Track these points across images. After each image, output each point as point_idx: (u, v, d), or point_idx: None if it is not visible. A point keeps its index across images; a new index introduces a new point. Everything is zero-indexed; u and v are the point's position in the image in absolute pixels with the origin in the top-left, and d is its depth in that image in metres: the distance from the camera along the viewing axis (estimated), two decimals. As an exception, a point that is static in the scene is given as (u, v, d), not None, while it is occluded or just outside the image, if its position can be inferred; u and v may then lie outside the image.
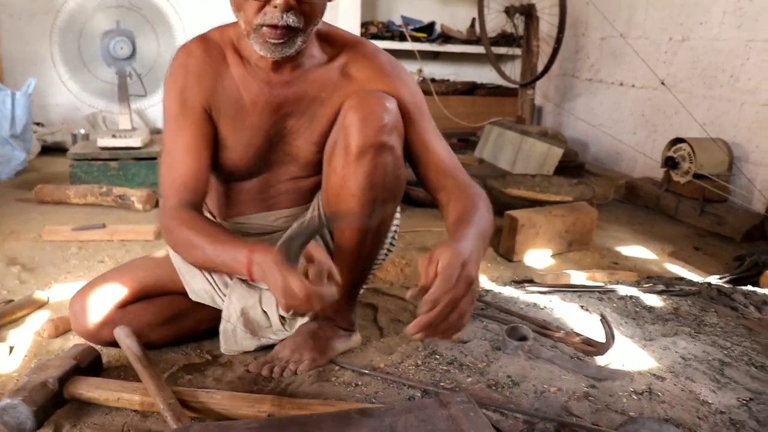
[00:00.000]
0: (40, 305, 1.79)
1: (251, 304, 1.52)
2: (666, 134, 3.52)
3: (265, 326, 1.52)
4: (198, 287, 1.55)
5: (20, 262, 2.10)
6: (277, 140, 1.43)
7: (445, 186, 1.40)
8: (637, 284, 2.10)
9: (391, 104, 1.33)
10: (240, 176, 1.48)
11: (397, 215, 1.58)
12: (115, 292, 1.50)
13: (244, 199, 1.52)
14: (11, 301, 1.78)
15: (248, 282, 1.55)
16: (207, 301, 1.56)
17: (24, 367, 1.47)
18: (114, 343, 1.50)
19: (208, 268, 1.42)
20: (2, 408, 1.19)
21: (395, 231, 1.59)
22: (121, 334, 1.41)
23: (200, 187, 1.37)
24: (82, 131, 3.64)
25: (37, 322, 1.70)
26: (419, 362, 1.52)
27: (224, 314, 1.51)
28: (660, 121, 3.70)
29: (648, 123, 3.80)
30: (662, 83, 3.35)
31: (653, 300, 1.96)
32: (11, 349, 1.52)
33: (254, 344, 1.53)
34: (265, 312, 1.52)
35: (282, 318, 1.52)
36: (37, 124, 4.04)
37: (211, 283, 1.54)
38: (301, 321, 1.53)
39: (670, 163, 3.05)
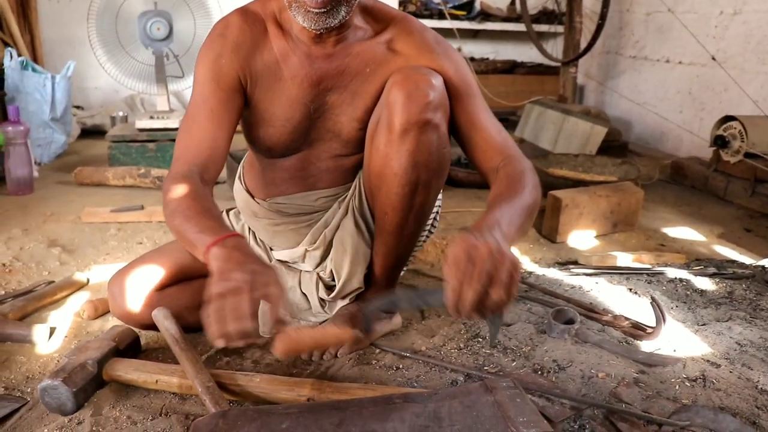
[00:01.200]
0: (80, 287, 1.79)
1: (290, 286, 1.50)
2: (714, 112, 3.39)
3: (305, 308, 1.50)
4: None
5: (60, 244, 2.11)
6: (318, 116, 1.39)
7: (494, 165, 1.32)
8: (686, 267, 2.02)
9: (437, 81, 1.27)
10: (279, 153, 1.44)
11: (440, 196, 1.54)
12: (153, 275, 1.49)
13: (283, 177, 1.48)
14: (52, 282, 1.79)
15: (288, 263, 1.53)
16: None
17: (64, 348, 1.47)
18: (152, 326, 1.48)
19: (180, 240, 1.22)
20: (43, 389, 1.19)
21: (437, 212, 1.55)
22: (160, 315, 1.39)
23: (214, 156, 1.29)
24: (121, 113, 3.67)
25: (76, 303, 1.70)
26: (462, 345, 1.47)
27: None
28: (708, 99, 3.57)
29: (695, 101, 3.67)
30: (713, 59, 3.22)
31: (705, 283, 1.88)
32: (52, 330, 1.52)
33: (293, 326, 1.50)
34: (304, 294, 1.49)
35: (322, 300, 1.49)
36: (77, 107, 4.09)
37: None
38: (341, 303, 1.50)
39: (719, 141, 2.93)
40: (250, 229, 1.60)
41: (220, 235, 1.07)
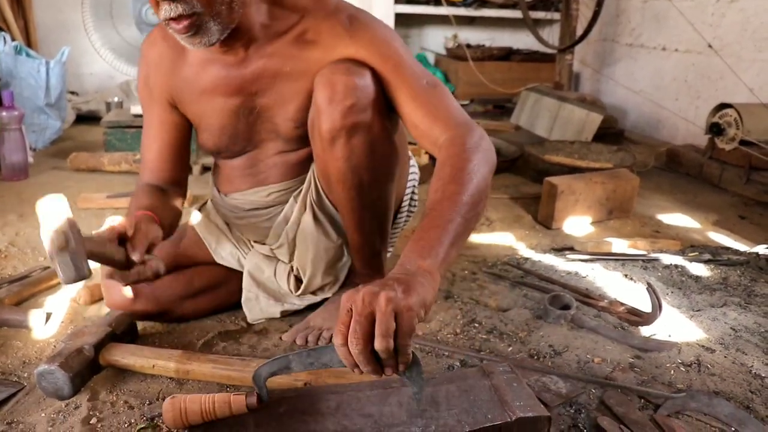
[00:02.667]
0: (76, 272, 1.79)
1: (266, 276, 1.50)
2: (710, 100, 3.39)
3: (287, 293, 1.50)
4: (225, 252, 1.55)
5: (56, 229, 2.10)
6: (254, 120, 1.35)
7: (437, 140, 1.17)
8: (681, 253, 2.02)
9: (360, 78, 1.20)
10: (227, 155, 1.44)
11: (414, 176, 1.54)
12: None
13: (236, 175, 1.47)
14: (47, 267, 1.78)
15: (264, 254, 1.53)
16: (234, 265, 1.55)
17: (60, 334, 1.47)
18: (147, 317, 1.49)
19: None
20: (40, 374, 1.19)
21: (412, 194, 1.55)
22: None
23: (164, 170, 1.42)
24: (116, 99, 3.64)
25: (72, 289, 1.69)
26: (458, 330, 1.48)
27: (244, 285, 1.51)
28: (704, 87, 3.57)
29: (691, 89, 3.67)
30: (709, 46, 3.22)
31: (700, 269, 1.89)
32: (48, 315, 1.51)
33: (278, 310, 1.51)
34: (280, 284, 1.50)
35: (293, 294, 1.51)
36: (72, 93, 4.06)
37: (235, 246, 1.54)
38: (320, 293, 1.52)
39: (715, 129, 2.93)
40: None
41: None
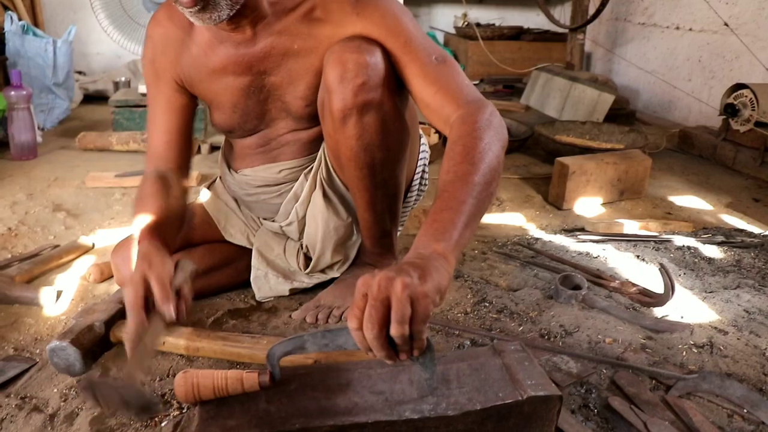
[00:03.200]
0: (86, 251, 1.79)
1: (276, 254, 1.50)
2: (725, 80, 3.34)
3: (296, 271, 1.50)
4: (234, 230, 1.54)
5: (65, 209, 2.10)
6: (264, 98, 1.34)
7: (447, 118, 1.14)
8: (694, 235, 2.00)
9: (371, 56, 1.18)
10: (240, 133, 1.43)
11: (425, 153, 1.52)
12: None
13: (248, 153, 1.47)
14: (57, 246, 1.78)
15: (273, 231, 1.53)
16: (243, 242, 1.55)
17: (71, 311, 1.47)
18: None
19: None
20: (51, 350, 1.20)
21: (423, 172, 1.53)
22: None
23: (172, 154, 1.38)
24: (123, 79, 3.63)
25: (82, 267, 1.70)
26: (468, 309, 1.47)
27: (253, 262, 1.50)
28: (719, 67, 3.52)
29: (705, 69, 3.62)
30: (725, 25, 3.17)
31: (713, 251, 1.87)
32: (59, 293, 1.52)
33: (287, 288, 1.50)
34: (289, 262, 1.50)
35: (302, 272, 1.50)
36: (79, 72, 4.05)
37: (245, 223, 1.54)
38: (329, 271, 1.51)
39: (729, 110, 2.89)
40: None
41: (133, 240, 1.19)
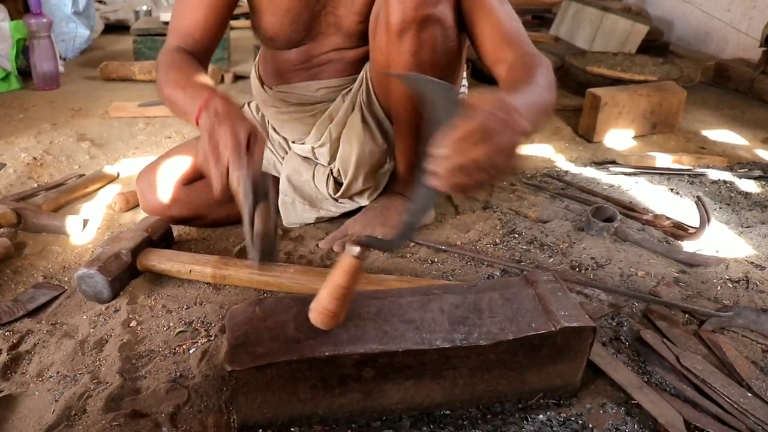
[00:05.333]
0: (111, 180, 1.78)
1: (304, 179, 1.47)
2: (767, 10, 3.20)
3: (324, 198, 1.47)
4: None
5: (89, 138, 2.09)
6: (318, 9, 1.30)
7: (504, 58, 1.16)
8: (729, 169, 1.94)
9: None
10: (281, 44, 1.38)
11: (464, 87, 1.47)
12: (180, 169, 1.47)
13: (287, 69, 1.43)
14: (82, 175, 1.78)
15: (302, 157, 1.50)
16: (269, 170, 1.53)
17: (97, 240, 1.47)
18: (180, 221, 1.48)
19: (171, 106, 1.22)
20: (80, 277, 1.20)
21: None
22: None
23: (205, 39, 1.28)
24: (144, 8, 3.56)
25: (108, 196, 1.69)
26: (497, 240, 1.45)
27: (281, 188, 1.48)
28: (760, -5, 3.36)
29: (745, -3, 3.46)
30: (768, -51, 3.00)
31: (750, 186, 1.81)
32: (85, 222, 1.52)
33: (314, 216, 1.49)
34: (317, 188, 1.47)
35: (332, 198, 1.46)
36: (99, 2, 3.98)
37: (272, 150, 1.51)
38: (357, 198, 1.48)
39: (771, 41, 2.77)
40: (268, 120, 1.56)
41: (206, 98, 1.07)
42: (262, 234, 1.00)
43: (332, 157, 1.45)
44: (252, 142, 1.03)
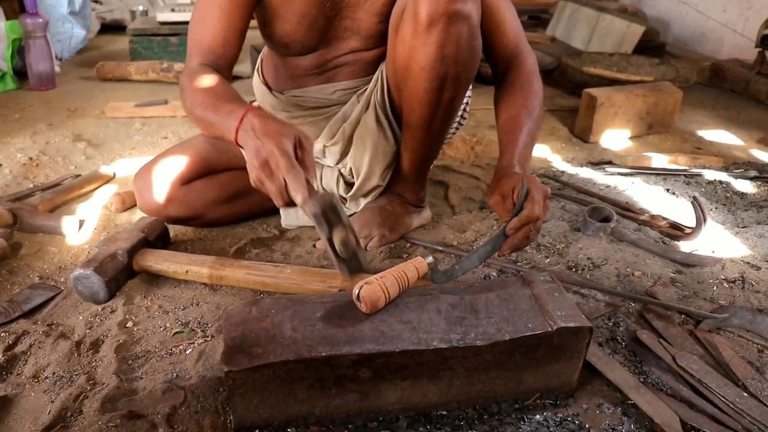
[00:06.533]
0: (107, 180, 1.78)
1: None
2: (763, 11, 3.20)
3: None
4: None
5: (85, 139, 2.08)
6: (334, 14, 1.31)
7: (505, 58, 1.33)
8: (725, 170, 1.95)
9: None
10: (296, 51, 1.37)
11: (470, 88, 1.47)
12: (178, 168, 1.46)
13: (300, 74, 1.43)
14: (78, 175, 1.77)
15: None
16: None
17: (93, 240, 1.47)
18: (180, 221, 1.48)
19: (205, 128, 1.22)
20: (76, 278, 1.19)
21: (466, 105, 1.48)
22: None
23: (227, 52, 1.28)
24: (141, 8, 3.56)
25: (104, 196, 1.69)
26: (494, 241, 1.45)
27: None
28: (755, -4, 3.37)
29: (741, -2, 3.47)
30: (764, -50, 3.01)
31: (745, 186, 1.82)
32: (81, 222, 1.51)
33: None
34: (325, 190, 1.46)
35: (343, 199, 1.46)
36: (95, 1, 3.97)
37: None
38: (364, 201, 1.47)
39: (766, 42, 2.77)
40: None
41: (241, 115, 1.07)
42: (348, 256, 1.05)
43: (342, 156, 1.44)
44: (299, 149, 1.03)
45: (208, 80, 1.19)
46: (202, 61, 1.26)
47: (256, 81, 1.53)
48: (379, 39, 1.34)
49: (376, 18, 1.31)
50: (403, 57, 1.26)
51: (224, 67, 1.28)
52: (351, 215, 1.47)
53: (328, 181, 1.48)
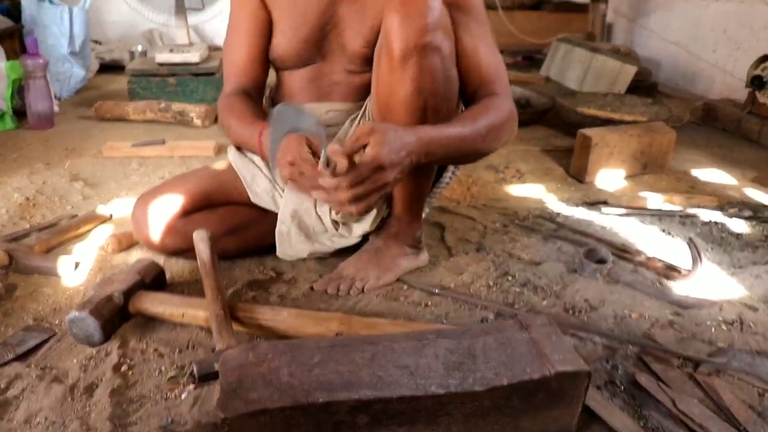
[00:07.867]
0: (103, 220, 1.78)
1: (305, 208, 1.46)
2: (751, 52, 3.25)
3: (321, 231, 1.46)
4: (259, 189, 1.50)
5: (82, 178, 2.09)
6: (330, 28, 1.39)
7: (473, 95, 1.32)
8: (720, 209, 1.96)
9: (434, 1, 1.20)
10: (292, 63, 1.44)
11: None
12: (178, 199, 1.47)
13: (297, 89, 1.47)
14: (75, 216, 1.77)
15: None
16: (268, 203, 1.51)
17: (89, 282, 1.46)
18: (175, 253, 1.47)
19: (239, 145, 1.50)
20: (71, 320, 1.19)
21: None
22: (197, 237, 1.36)
23: (255, 71, 1.45)
24: (140, 48, 3.60)
25: (100, 237, 1.68)
26: (491, 283, 1.45)
27: (280, 216, 1.46)
28: (745, 38, 3.43)
29: (731, 40, 3.53)
30: (753, -6, 3.07)
31: (741, 226, 1.82)
32: (77, 263, 1.51)
33: (308, 249, 1.47)
34: (319, 217, 1.46)
35: (336, 223, 1.45)
36: (95, 41, 4.02)
37: (271, 181, 1.49)
38: (357, 227, 1.46)
39: (756, 82, 2.81)
40: None
41: (258, 133, 1.31)
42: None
43: None
44: (313, 146, 1.18)
45: (236, 105, 1.40)
46: (235, 85, 1.44)
47: (265, 105, 1.57)
48: (365, 63, 1.39)
49: (361, 41, 1.36)
50: (382, 93, 1.29)
51: (253, 85, 1.46)
52: (345, 251, 1.49)
53: (321, 205, 1.47)
